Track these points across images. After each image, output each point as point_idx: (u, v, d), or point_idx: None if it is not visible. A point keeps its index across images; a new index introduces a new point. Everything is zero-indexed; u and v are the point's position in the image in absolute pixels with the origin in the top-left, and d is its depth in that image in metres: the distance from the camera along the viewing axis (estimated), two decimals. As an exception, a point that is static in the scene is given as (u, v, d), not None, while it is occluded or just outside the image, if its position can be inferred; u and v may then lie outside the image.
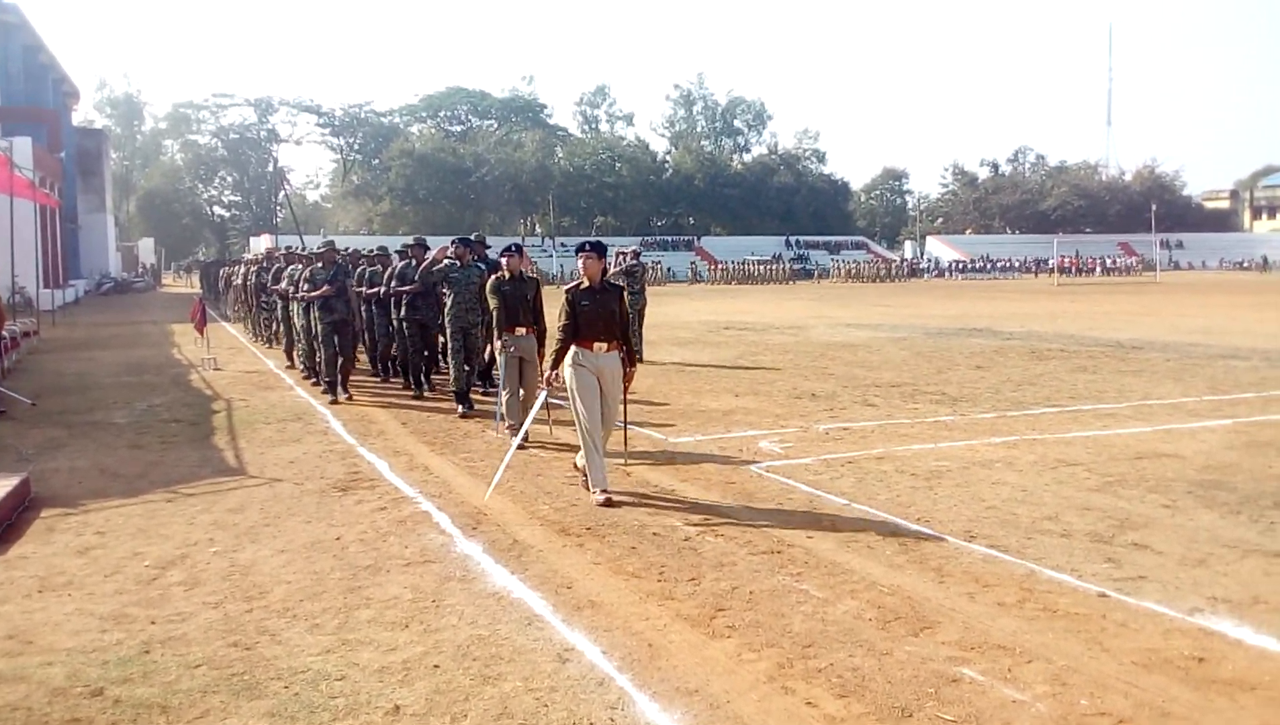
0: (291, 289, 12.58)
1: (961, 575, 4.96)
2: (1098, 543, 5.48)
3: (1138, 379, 12.18)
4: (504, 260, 8.50)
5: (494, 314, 8.39)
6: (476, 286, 9.68)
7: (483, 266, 10.30)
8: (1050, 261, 64.57)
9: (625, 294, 7.07)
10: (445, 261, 10.04)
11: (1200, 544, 5.43)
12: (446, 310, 10.00)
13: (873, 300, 34.59)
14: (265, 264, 17.42)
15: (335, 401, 10.87)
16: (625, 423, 7.16)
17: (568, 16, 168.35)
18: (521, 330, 8.42)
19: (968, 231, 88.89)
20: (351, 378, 11.68)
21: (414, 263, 11.23)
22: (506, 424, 8.54)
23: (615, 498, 6.42)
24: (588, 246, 6.77)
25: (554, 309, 6.85)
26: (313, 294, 11.14)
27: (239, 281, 21.30)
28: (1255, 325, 20.53)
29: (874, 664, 3.91)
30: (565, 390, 6.67)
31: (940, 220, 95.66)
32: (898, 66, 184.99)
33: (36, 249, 23.85)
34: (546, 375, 6.68)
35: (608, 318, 6.59)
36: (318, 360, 11.86)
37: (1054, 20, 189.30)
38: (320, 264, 11.34)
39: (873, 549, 5.41)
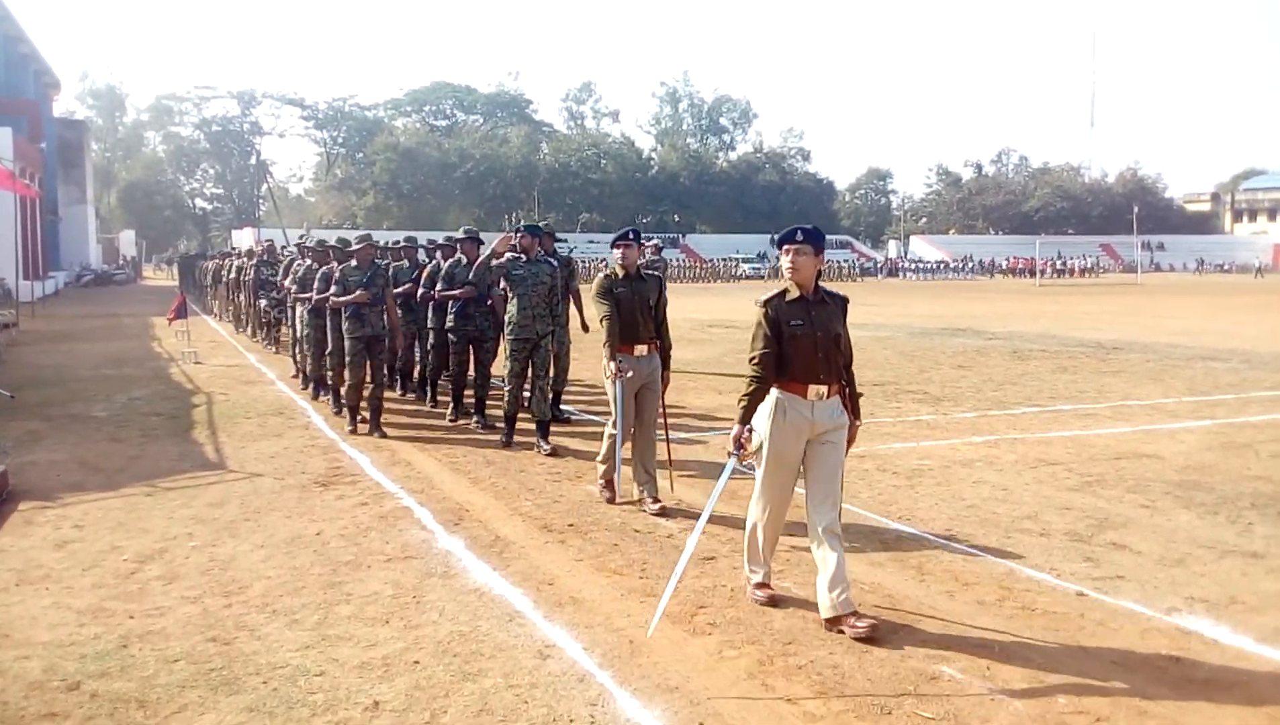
0: (295, 288, 10.71)
1: (942, 573, 4.99)
2: (1077, 542, 5.51)
3: (1117, 379, 12.26)
4: (617, 252, 6.39)
5: (605, 325, 6.29)
6: (546, 287, 7.96)
7: (554, 262, 8.42)
8: (1003, 262, 67.44)
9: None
10: (507, 256, 8.07)
11: (1178, 544, 5.48)
12: (508, 317, 7.99)
13: (857, 300, 34.62)
14: (267, 257, 15.59)
15: (354, 431, 8.76)
16: (840, 502, 4.59)
17: (554, 12, 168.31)
18: (642, 348, 6.29)
19: (951, 232, 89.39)
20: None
21: (465, 261, 9.21)
22: (601, 479, 6.47)
23: (862, 623, 4.16)
24: (800, 235, 4.44)
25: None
26: (343, 300, 8.76)
27: (231, 276, 19.61)
28: (1233, 327, 20.69)
29: (854, 662, 3.93)
30: (755, 456, 4.51)
31: (924, 220, 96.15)
32: (883, 66, 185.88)
33: (16, 240, 23.65)
34: (736, 433, 4.38)
35: (828, 346, 4.37)
36: (327, 375, 9.91)
37: (1038, 22, 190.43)
38: (354, 263, 8.96)
39: (854, 547, 5.42)
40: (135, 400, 10.86)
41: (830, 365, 4.37)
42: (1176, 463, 7.50)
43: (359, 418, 8.90)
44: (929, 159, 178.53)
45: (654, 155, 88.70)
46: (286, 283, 11.94)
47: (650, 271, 6.62)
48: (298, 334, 11.42)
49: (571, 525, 5.86)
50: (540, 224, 8.97)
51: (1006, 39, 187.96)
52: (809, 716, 3.48)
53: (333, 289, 8.93)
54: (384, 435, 8.66)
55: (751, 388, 4.37)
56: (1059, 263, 65.70)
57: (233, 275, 19.57)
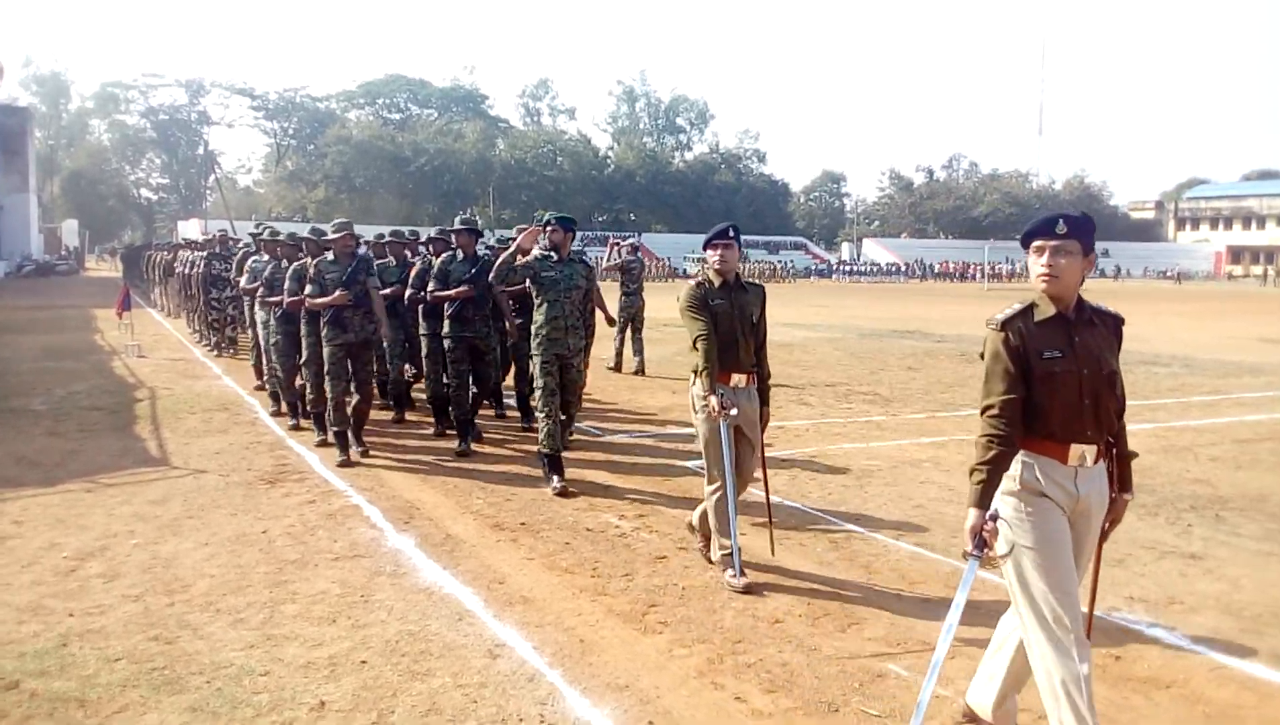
0: (263, 291, 9.10)
1: (889, 573, 5.04)
2: (1021, 542, 5.59)
3: (1063, 383, 12.46)
4: (714, 253, 5.14)
5: (701, 347, 4.97)
6: (581, 292, 6.72)
7: (588, 262, 7.13)
8: (935, 266, 71.94)
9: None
10: (534, 253, 6.62)
11: (1119, 544, 5.57)
12: (535, 328, 6.62)
13: (812, 301, 34.95)
14: (219, 250, 14.43)
15: (346, 462, 7.29)
16: (1090, 609, 3.34)
17: (512, 8, 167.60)
18: (740, 378, 5.00)
19: (903, 235, 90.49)
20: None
21: (460, 256, 7.87)
22: (721, 553, 4.93)
23: None
24: (1061, 225, 3.05)
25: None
26: (320, 301, 7.41)
27: (184, 270, 18.07)
28: (1175, 332, 21.17)
29: (802, 659, 3.96)
30: (1001, 554, 3.08)
31: (876, 223, 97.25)
32: (838, 71, 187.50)
33: (-46, 228, 23.03)
34: (973, 524, 2.99)
35: (1099, 388, 3.10)
36: (301, 386, 8.48)
37: (989, 31, 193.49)
38: (330, 257, 7.57)
39: (804, 546, 5.47)
40: (76, 394, 10.62)
41: (1101, 416, 3.09)
42: (1118, 465, 7.64)
43: (349, 446, 7.50)
44: (882, 163, 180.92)
45: (610, 154, 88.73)
46: (243, 281, 10.50)
47: (751, 281, 5.30)
48: (262, 343, 9.76)
49: (523, 524, 5.84)
50: (556, 215, 6.95)
51: (959, 47, 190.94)
52: (757, 714, 3.50)
53: (308, 288, 7.49)
54: (366, 452, 7.53)
55: (992, 452, 2.98)
56: (990, 268, 66.66)
57: (188, 269, 17.82)
